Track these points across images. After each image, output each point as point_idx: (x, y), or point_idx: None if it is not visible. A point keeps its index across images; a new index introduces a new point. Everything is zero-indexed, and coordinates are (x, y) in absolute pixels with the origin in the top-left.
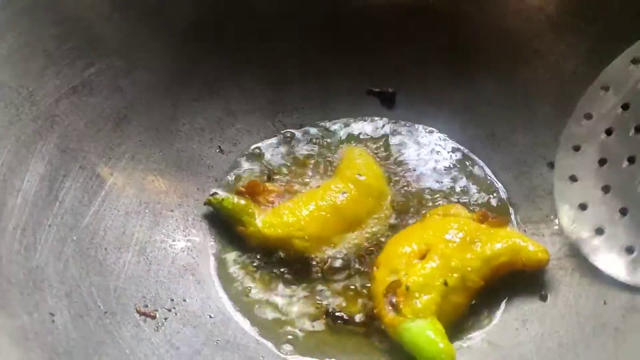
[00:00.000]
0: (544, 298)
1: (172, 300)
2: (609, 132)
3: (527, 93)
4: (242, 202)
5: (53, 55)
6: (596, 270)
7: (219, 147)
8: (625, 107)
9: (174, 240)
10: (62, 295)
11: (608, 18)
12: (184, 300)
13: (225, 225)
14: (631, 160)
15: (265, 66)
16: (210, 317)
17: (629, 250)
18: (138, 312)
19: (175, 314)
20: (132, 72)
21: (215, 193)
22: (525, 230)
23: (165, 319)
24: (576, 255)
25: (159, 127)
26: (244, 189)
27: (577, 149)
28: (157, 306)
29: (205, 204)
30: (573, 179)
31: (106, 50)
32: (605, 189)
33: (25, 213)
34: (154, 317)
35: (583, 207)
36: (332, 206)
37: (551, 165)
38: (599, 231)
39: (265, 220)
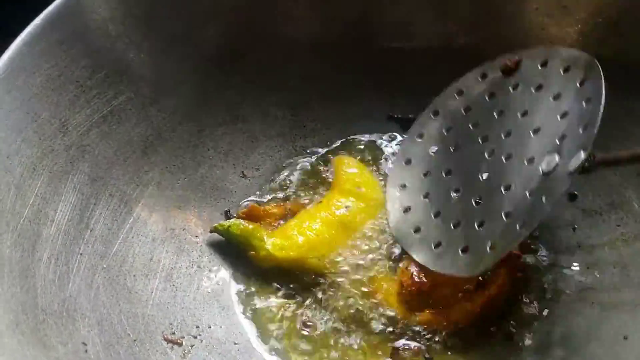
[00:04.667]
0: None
1: (197, 327)
2: (434, 150)
3: None
4: (250, 226)
5: (84, 86)
6: (619, 304)
7: (242, 172)
8: (448, 129)
9: (199, 267)
10: (94, 324)
11: (634, 49)
12: (209, 327)
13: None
14: (448, 172)
15: (287, 91)
16: (235, 343)
17: (438, 245)
18: (165, 339)
19: (201, 340)
20: (158, 99)
21: (230, 217)
22: (544, 261)
23: (192, 346)
24: (597, 289)
25: (184, 154)
26: (244, 215)
27: (408, 162)
28: (184, 333)
29: (211, 231)
30: (402, 187)
31: (134, 78)
32: (426, 196)
33: (59, 243)
34: (180, 345)
35: (407, 210)
36: (338, 221)
37: (572, 196)
38: (417, 230)
39: (276, 243)
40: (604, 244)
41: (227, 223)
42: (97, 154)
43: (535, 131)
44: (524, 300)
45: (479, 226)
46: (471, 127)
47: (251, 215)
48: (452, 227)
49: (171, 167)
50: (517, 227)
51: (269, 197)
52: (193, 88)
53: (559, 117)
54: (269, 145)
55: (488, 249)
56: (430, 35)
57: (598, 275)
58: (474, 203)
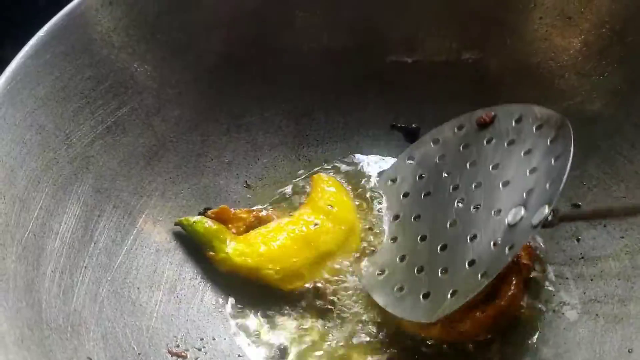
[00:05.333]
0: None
1: (201, 339)
2: (405, 194)
3: None
4: (214, 226)
5: (88, 97)
6: (623, 316)
7: (245, 182)
8: (420, 177)
9: (202, 278)
10: (99, 337)
11: (634, 60)
12: (213, 339)
13: None
14: (417, 217)
15: (290, 101)
16: (239, 356)
17: (400, 289)
18: (170, 352)
19: (205, 353)
20: (162, 109)
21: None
22: (548, 273)
23: (196, 358)
24: (601, 301)
25: (187, 163)
26: (213, 215)
27: (379, 204)
28: (188, 346)
29: (175, 224)
30: (370, 229)
31: (138, 89)
32: (394, 239)
33: (63, 256)
34: (185, 357)
35: (374, 252)
36: (303, 237)
37: (576, 206)
38: (382, 272)
39: (237, 248)
40: (608, 256)
41: (192, 219)
42: (101, 165)
43: (505, 184)
44: (527, 311)
45: (442, 273)
46: (444, 176)
47: (220, 217)
48: (415, 272)
49: (175, 177)
50: (479, 277)
51: (270, 208)
52: (196, 98)
53: (527, 172)
54: (272, 155)
55: (449, 296)
56: (434, 49)
57: (602, 287)
58: (439, 250)
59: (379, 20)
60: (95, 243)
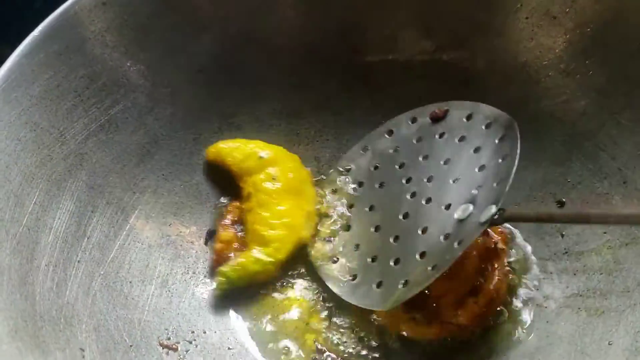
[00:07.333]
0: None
1: (192, 332)
2: (360, 184)
3: (537, 131)
4: (237, 264)
5: (82, 95)
6: (604, 310)
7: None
8: (375, 167)
9: (194, 272)
10: (91, 330)
11: (618, 59)
12: (204, 332)
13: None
14: (371, 208)
15: (280, 100)
16: (229, 348)
17: (354, 276)
18: (161, 345)
19: (196, 346)
20: (155, 107)
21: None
22: (532, 267)
23: (187, 351)
24: (584, 295)
25: (180, 161)
26: (216, 260)
27: (334, 192)
28: (179, 338)
29: (218, 289)
30: (326, 216)
31: (131, 87)
32: (348, 228)
33: (57, 250)
34: (175, 350)
35: (329, 240)
36: (285, 190)
37: (560, 203)
38: (334, 260)
39: (266, 252)
40: (590, 251)
41: (223, 277)
42: (95, 162)
43: (455, 180)
44: (511, 305)
45: (394, 264)
46: (397, 167)
47: (220, 256)
48: (369, 261)
49: (167, 175)
50: (429, 269)
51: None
52: (189, 97)
53: (477, 170)
54: None
55: (400, 285)
56: (421, 49)
57: (584, 282)
58: (391, 240)
59: (366, 21)
60: (88, 238)
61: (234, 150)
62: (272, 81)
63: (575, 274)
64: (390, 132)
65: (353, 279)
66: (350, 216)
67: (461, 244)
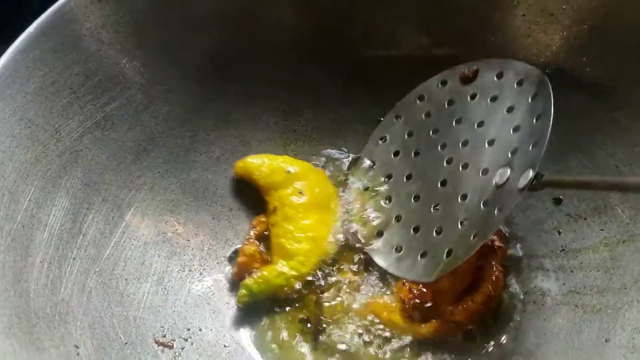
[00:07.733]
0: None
1: (188, 329)
2: (396, 153)
3: None
4: (259, 276)
5: (77, 92)
6: (601, 307)
7: (233, 177)
8: (409, 134)
9: (190, 270)
10: (86, 327)
11: (614, 56)
12: (200, 330)
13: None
14: (409, 177)
15: (277, 97)
16: (225, 346)
17: (397, 249)
18: (156, 342)
19: (192, 343)
20: (151, 105)
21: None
22: (529, 265)
23: (182, 348)
24: (581, 292)
25: (176, 158)
26: (237, 274)
27: (373, 164)
28: (175, 336)
29: (241, 305)
30: (365, 187)
31: (127, 84)
32: (388, 200)
33: (52, 247)
34: (171, 347)
35: (372, 214)
36: (310, 205)
37: (557, 200)
38: (380, 234)
39: (291, 266)
40: (587, 248)
41: (246, 290)
42: (90, 159)
43: (490, 143)
44: (508, 302)
45: (437, 233)
46: (431, 134)
47: (242, 270)
48: (412, 232)
49: (163, 172)
50: (472, 237)
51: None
52: (185, 94)
53: (511, 131)
54: (260, 150)
55: (444, 256)
56: (418, 46)
57: (581, 279)
58: (432, 209)
59: (362, 16)
60: (83, 235)
61: (261, 164)
62: (269, 78)
63: (572, 271)
64: (422, 97)
65: (398, 251)
66: (389, 188)
67: (502, 212)
